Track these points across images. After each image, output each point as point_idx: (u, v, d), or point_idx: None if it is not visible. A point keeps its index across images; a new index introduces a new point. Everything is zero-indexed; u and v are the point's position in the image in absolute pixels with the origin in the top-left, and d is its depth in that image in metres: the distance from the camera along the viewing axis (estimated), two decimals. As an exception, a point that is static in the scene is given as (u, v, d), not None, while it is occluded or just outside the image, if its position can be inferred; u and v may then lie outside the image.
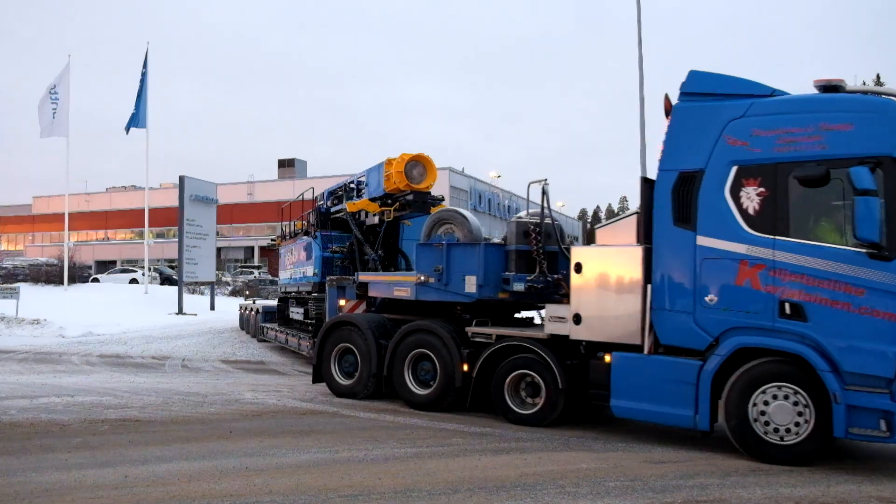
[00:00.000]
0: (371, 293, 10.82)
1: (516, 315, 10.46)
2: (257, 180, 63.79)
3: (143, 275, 36.44)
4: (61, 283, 32.89)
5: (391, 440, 7.50)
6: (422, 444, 7.32)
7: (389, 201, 11.80)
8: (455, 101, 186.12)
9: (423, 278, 9.41)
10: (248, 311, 21.08)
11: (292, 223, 17.34)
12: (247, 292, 22.87)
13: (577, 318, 7.88)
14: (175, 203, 29.08)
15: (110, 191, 70.98)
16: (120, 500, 5.27)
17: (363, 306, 11.19)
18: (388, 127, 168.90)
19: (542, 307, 9.83)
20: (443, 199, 12.37)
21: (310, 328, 13.99)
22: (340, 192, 13.97)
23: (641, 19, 20.92)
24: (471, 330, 9.01)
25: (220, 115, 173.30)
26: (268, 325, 17.92)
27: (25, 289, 25.54)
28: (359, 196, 12.94)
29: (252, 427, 8.19)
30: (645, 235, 7.50)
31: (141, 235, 52.75)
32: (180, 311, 27.03)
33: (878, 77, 70.42)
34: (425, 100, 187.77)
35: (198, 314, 26.68)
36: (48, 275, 35.06)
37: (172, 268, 41.48)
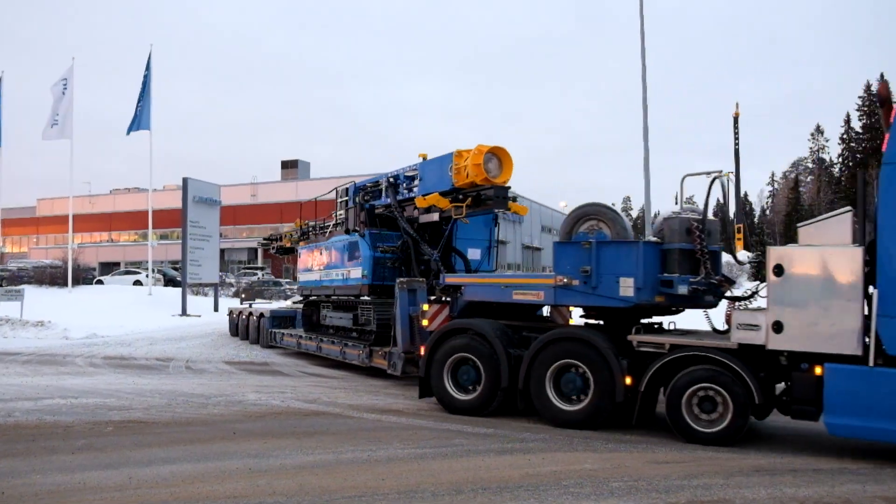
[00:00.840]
0: (469, 297, 9.82)
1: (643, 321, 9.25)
2: (260, 181, 63.88)
3: (147, 276, 36.51)
4: (65, 284, 33.03)
5: (395, 441, 7.49)
6: (425, 445, 7.32)
7: (461, 196, 11.01)
8: (455, 101, 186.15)
9: (564, 280, 8.37)
10: (245, 316, 19.96)
11: (317, 222, 16.47)
12: (242, 295, 21.08)
13: (778, 327, 7.05)
14: (178, 204, 29.15)
15: (114, 192, 71.13)
16: (124, 502, 5.28)
17: (446, 311, 10.25)
18: (388, 127, 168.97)
19: (677, 312, 9.02)
20: (516, 198, 11.53)
21: (354, 333, 13.38)
22: (372, 188, 13.29)
23: (644, 24, 20.91)
24: (636, 338, 7.97)
25: (221, 115, 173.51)
26: (284, 330, 17.17)
27: (30, 291, 25.61)
28: (395, 193, 12.31)
29: (255, 428, 8.19)
30: (862, 235, 6.92)
31: (145, 237, 52.83)
32: (184, 313, 27.09)
33: (881, 75, 70.39)
34: (425, 100, 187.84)
35: (201, 316, 26.74)
36: (52, 277, 35.20)
37: (176, 269, 41.53)
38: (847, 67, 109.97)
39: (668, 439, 7.64)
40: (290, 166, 65.75)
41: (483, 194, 10.82)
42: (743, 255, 8.44)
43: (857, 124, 70.62)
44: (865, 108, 69.16)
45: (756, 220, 74.58)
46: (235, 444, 7.25)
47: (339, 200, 14.62)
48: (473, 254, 12.71)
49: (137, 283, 38.40)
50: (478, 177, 10.48)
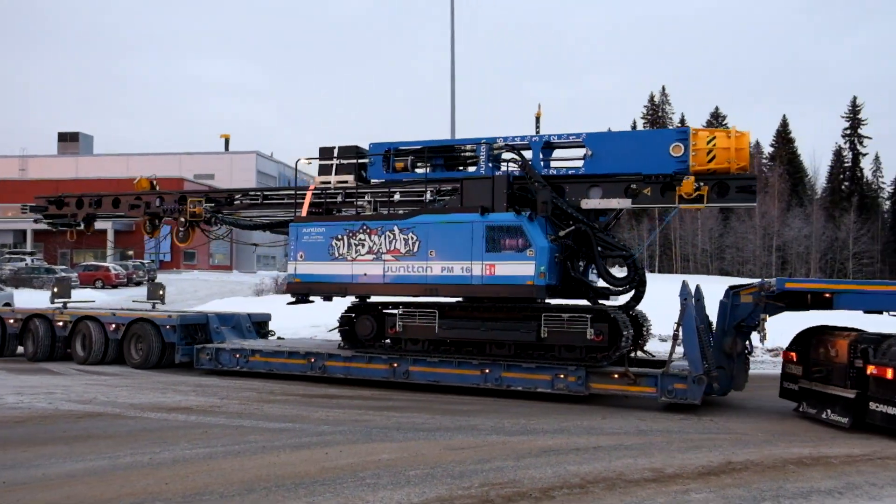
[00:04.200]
0: (846, 307, 8.24)
1: None
2: (31, 154, 56.89)
3: None
4: None
5: (182, 441, 6.98)
6: (216, 444, 6.88)
7: (701, 184, 9.66)
8: (255, 81, 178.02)
9: None
10: (63, 325, 13.81)
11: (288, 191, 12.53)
12: (55, 289, 13.98)
13: None
14: (-77, 177, 25.05)
15: None
16: None
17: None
18: (179, 103, 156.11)
19: None
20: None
21: (575, 350, 9.71)
22: (445, 151, 11.17)
23: (454, 21, 21.50)
24: None
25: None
26: (244, 343, 12.70)
27: None
28: (527, 166, 10.23)
29: (13, 435, 7.26)
30: None
31: None
32: (-72, 303, 23.34)
33: (663, 88, 78.89)
34: (223, 78, 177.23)
35: (-48, 306, 23.20)
36: None
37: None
38: (634, 77, 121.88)
39: (463, 427, 7.87)
40: (69, 139, 59.36)
41: (732, 185, 9.78)
42: None
43: (641, 130, 78.72)
44: (649, 117, 77.07)
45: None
46: (-14, 455, 6.31)
47: (340, 162, 11.62)
48: None
49: None
50: (737, 163, 9.63)
